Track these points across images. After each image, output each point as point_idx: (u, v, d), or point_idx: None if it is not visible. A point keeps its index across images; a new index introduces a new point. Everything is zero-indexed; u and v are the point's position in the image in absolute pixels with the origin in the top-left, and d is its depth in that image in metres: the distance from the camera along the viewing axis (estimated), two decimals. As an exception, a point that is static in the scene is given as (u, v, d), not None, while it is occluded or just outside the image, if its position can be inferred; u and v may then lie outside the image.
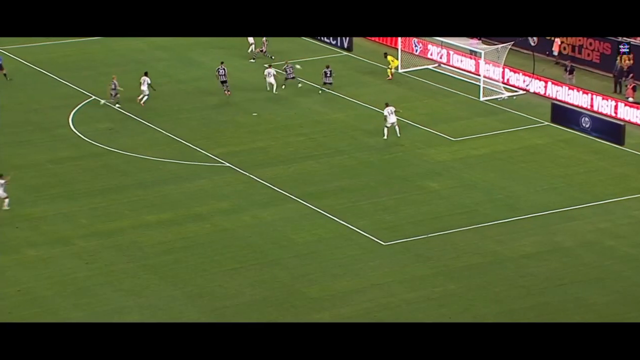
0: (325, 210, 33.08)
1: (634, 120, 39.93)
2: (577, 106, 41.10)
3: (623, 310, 27.03)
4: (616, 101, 40.91)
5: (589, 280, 28.62)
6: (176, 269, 29.65)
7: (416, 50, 47.68)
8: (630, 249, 30.37)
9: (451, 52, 46.86)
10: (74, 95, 44.34)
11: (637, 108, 40.27)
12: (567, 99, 42.17)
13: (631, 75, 42.88)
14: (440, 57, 47.37)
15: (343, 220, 32.34)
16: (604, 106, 40.97)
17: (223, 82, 43.37)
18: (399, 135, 38.52)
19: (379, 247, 30.72)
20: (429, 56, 47.62)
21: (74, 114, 42.37)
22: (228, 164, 37.05)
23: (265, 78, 43.84)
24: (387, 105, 38.75)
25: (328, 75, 43.69)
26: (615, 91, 43.26)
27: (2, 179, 33.26)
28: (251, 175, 36.10)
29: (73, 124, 41.26)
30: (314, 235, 31.53)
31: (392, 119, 38.32)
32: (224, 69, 43.53)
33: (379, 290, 28.25)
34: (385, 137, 38.42)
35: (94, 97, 44.13)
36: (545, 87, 43.26)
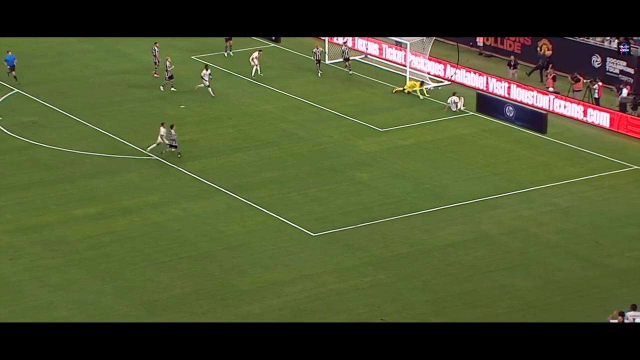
0: (255, 202, 33.18)
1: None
2: (501, 96, 41.85)
3: (546, 296, 27.76)
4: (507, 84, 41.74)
5: (513, 267, 29.29)
6: (105, 263, 29.45)
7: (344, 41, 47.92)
8: (552, 235, 31.16)
9: (377, 43, 47.25)
10: (-3, 88, 43.59)
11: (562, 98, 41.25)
12: (491, 89, 42.97)
13: (551, 65, 43.80)
14: (367, 48, 47.79)
15: (273, 212, 32.48)
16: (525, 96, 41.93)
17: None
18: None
19: (309, 238, 30.94)
20: (355, 47, 47.94)
21: (-2, 107, 41.67)
22: (156, 157, 36.84)
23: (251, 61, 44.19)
24: (454, 94, 41.09)
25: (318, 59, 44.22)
26: (541, 81, 44.12)
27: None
28: (180, 168, 35.97)
29: (-4, 118, 40.56)
30: (243, 227, 31.61)
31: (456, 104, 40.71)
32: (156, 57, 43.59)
33: (309, 281, 28.49)
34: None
35: (16, 90, 43.40)
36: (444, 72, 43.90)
